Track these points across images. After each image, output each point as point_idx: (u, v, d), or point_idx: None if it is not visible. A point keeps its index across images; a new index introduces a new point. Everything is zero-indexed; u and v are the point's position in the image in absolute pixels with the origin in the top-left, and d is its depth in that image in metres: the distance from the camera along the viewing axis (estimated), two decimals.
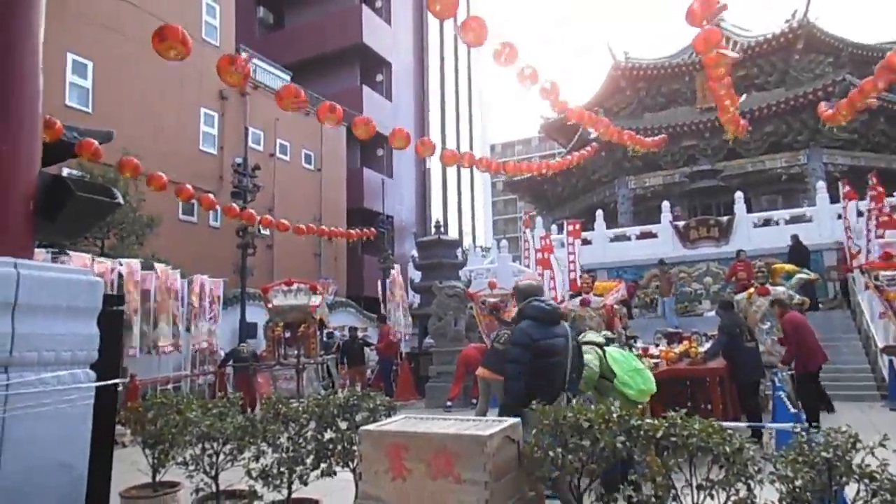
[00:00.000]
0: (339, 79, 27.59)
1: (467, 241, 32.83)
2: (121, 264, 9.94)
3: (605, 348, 5.06)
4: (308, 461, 3.69)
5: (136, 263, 10.21)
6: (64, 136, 5.88)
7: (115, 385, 3.75)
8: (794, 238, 14.85)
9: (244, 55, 20.99)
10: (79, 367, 3.18)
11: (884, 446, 2.41)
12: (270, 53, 24.63)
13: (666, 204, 19.17)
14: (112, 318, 3.75)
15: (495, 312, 12.07)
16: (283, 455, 3.69)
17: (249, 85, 20.29)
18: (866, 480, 2.36)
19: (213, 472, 3.93)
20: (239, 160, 14.63)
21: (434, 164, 33.46)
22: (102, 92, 15.58)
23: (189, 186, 10.23)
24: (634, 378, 4.69)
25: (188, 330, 11.56)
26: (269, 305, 12.40)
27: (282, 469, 3.66)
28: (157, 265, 10.84)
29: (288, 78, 23.93)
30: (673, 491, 2.69)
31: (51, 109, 5.28)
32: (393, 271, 15.95)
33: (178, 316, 11.05)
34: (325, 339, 14.33)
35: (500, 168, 10.61)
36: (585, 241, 19.15)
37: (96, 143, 7.20)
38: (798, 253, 14.42)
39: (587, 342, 5.01)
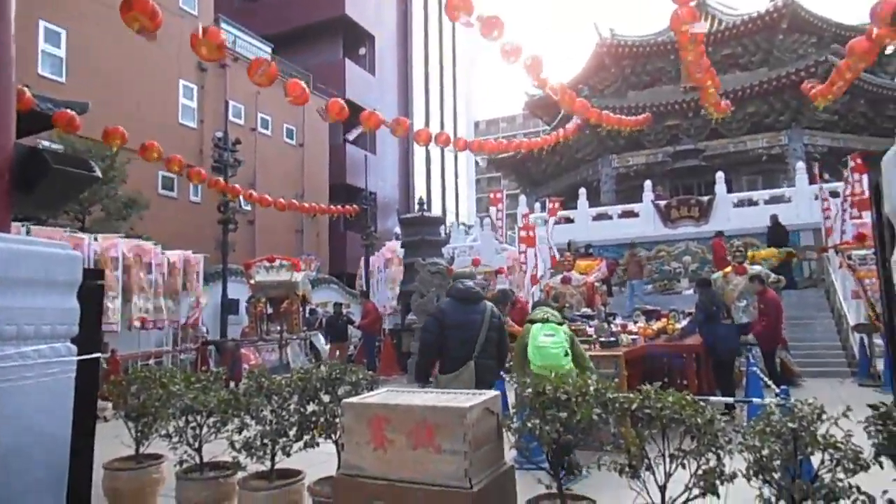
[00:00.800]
0: (321, 52, 27.19)
1: (450, 219, 32.84)
2: (95, 239, 9.81)
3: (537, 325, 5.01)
4: (291, 433, 3.74)
5: (114, 239, 10.09)
6: (38, 106, 5.76)
7: (97, 359, 3.75)
8: (773, 218, 15.09)
9: (223, 26, 20.58)
10: (59, 340, 3.18)
11: (847, 417, 2.51)
12: (251, 25, 24.15)
13: (648, 183, 19.30)
14: (92, 293, 3.73)
15: None
16: (267, 427, 3.73)
17: (229, 57, 19.93)
18: (830, 450, 2.46)
19: (196, 445, 3.97)
20: (219, 134, 14.39)
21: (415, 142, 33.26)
22: (76, 62, 15.21)
23: (179, 157, 10.11)
24: (535, 354, 4.79)
25: (168, 306, 11.48)
26: (252, 282, 12.36)
27: (265, 441, 3.70)
28: (133, 240, 10.71)
29: (269, 50, 23.52)
30: (647, 460, 2.79)
31: (23, 79, 5.17)
32: (384, 248, 15.95)
33: (159, 291, 10.97)
34: (307, 315, 14.34)
35: (479, 147, 10.62)
36: (568, 220, 19.29)
37: (73, 113, 7.08)
38: (777, 233, 14.67)
39: (537, 319, 5.03)
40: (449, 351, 4.45)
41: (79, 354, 3.33)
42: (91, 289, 3.69)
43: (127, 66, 16.50)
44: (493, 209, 18.42)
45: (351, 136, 22.34)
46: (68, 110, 7.09)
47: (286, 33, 26.42)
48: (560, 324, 5.07)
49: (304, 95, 6.53)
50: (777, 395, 4.92)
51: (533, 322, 5.06)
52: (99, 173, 3.88)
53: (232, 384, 6.22)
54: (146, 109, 16.96)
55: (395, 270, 15.25)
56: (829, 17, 23.00)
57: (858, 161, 13.39)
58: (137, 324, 10.51)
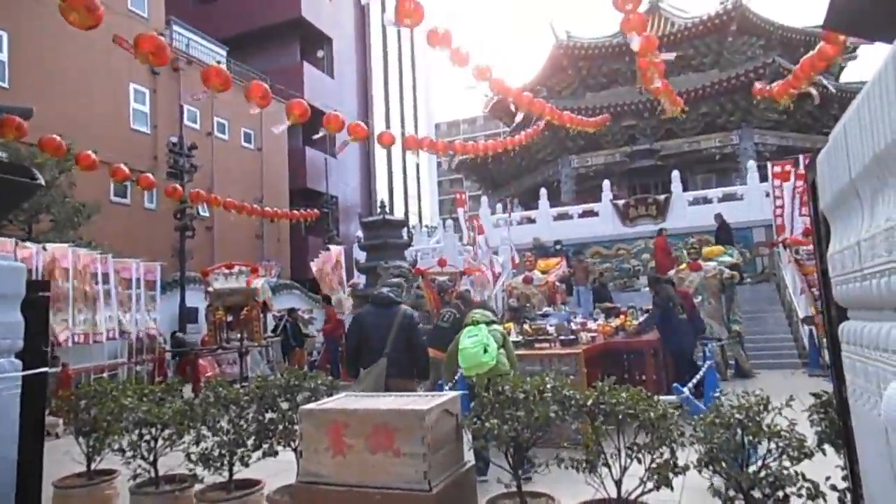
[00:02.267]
0: (278, 55, 26.81)
1: (413, 221, 32.78)
2: (45, 249, 9.45)
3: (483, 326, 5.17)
4: (249, 443, 3.68)
5: (63, 249, 9.73)
6: None
7: (44, 374, 3.62)
8: (719, 217, 15.48)
9: (176, 28, 20.12)
10: (3, 356, 3.06)
11: (790, 407, 2.60)
12: (205, 27, 23.65)
13: (606, 183, 19.65)
14: (37, 305, 3.60)
15: (441, 294, 12.22)
16: (224, 438, 3.66)
17: (183, 60, 19.50)
18: (776, 439, 2.55)
19: (151, 458, 3.87)
20: (174, 139, 14.10)
21: (378, 144, 33.09)
22: (19, 65, 14.64)
23: (123, 166, 9.83)
24: (460, 357, 5.00)
25: (120, 318, 11.12)
26: (210, 289, 12.10)
27: (222, 452, 3.64)
28: (82, 250, 10.35)
29: (223, 53, 23.11)
30: (603, 456, 2.84)
31: None
32: (324, 253, 15.67)
33: (109, 303, 10.61)
34: (276, 322, 14.17)
35: (445, 148, 10.64)
36: (530, 220, 19.49)
37: (20, 119, 6.83)
38: (724, 231, 15.06)
39: (467, 324, 5.25)
40: (367, 348, 4.94)
41: (24, 369, 3.21)
42: (36, 301, 3.56)
43: (74, 69, 15.97)
44: (460, 210, 18.39)
45: (317, 136, 22.10)
46: (14, 116, 6.83)
47: (242, 36, 25.97)
48: (489, 323, 5.22)
49: (267, 97, 6.43)
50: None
51: (465, 326, 5.28)
52: (42, 181, 3.74)
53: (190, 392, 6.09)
54: (96, 114, 16.44)
55: (337, 275, 15.03)
56: (775, 20, 23.82)
57: (807, 161, 13.86)
58: (99, 337, 10.14)
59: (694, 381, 5.89)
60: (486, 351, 4.87)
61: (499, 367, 4.80)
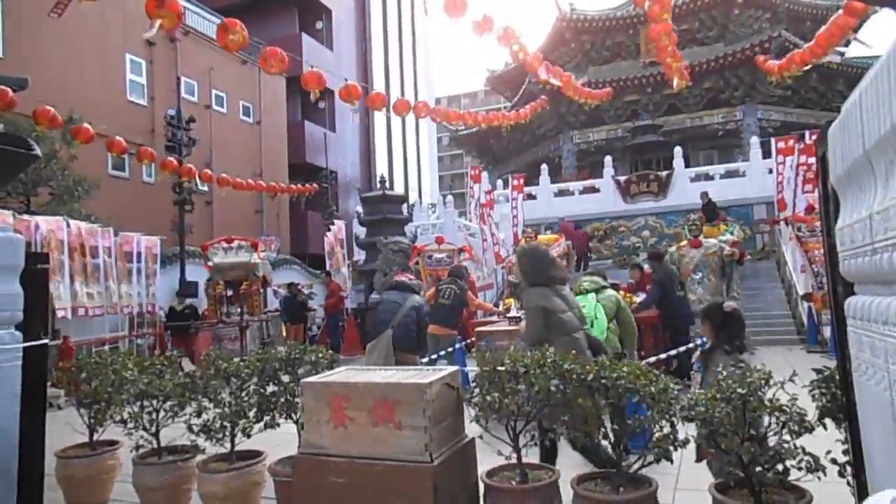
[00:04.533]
0: (276, 26, 26.38)
1: (413, 197, 32.66)
2: (38, 225, 9.36)
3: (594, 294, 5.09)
4: (251, 414, 3.70)
5: (59, 221, 9.66)
6: None
7: (44, 345, 3.62)
8: (705, 195, 15.37)
9: None
10: (3, 327, 3.06)
11: (793, 381, 2.60)
12: None
13: (608, 159, 19.53)
14: (37, 277, 3.58)
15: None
16: (226, 409, 3.67)
17: (179, 30, 19.19)
18: (777, 414, 2.55)
19: (153, 429, 3.89)
20: (172, 112, 13.92)
21: (378, 117, 32.78)
22: (14, 36, 14.41)
23: (121, 139, 9.73)
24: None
25: (121, 292, 11.10)
26: (210, 264, 12.09)
27: (224, 423, 3.65)
28: (81, 223, 10.28)
29: (219, 23, 22.73)
30: (603, 429, 2.84)
31: None
32: (333, 228, 15.66)
33: (109, 275, 10.58)
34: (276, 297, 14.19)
35: (456, 117, 10.48)
36: (530, 196, 19.38)
37: (10, 91, 6.74)
38: (709, 209, 14.97)
39: (581, 291, 5.13)
40: (380, 320, 5.58)
41: (24, 341, 3.21)
42: (35, 273, 3.55)
43: (69, 39, 15.73)
44: (476, 187, 17.63)
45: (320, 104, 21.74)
46: (5, 88, 6.74)
47: (238, 5, 25.46)
48: (600, 290, 5.12)
49: (284, 59, 6.35)
50: None
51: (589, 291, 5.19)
52: (38, 152, 3.69)
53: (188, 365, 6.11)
54: (91, 85, 16.25)
55: (338, 252, 15.02)
56: None
57: (812, 137, 13.75)
58: (97, 310, 10.11)
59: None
60: (592, 325, 4.58)
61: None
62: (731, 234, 13.01)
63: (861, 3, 5.12)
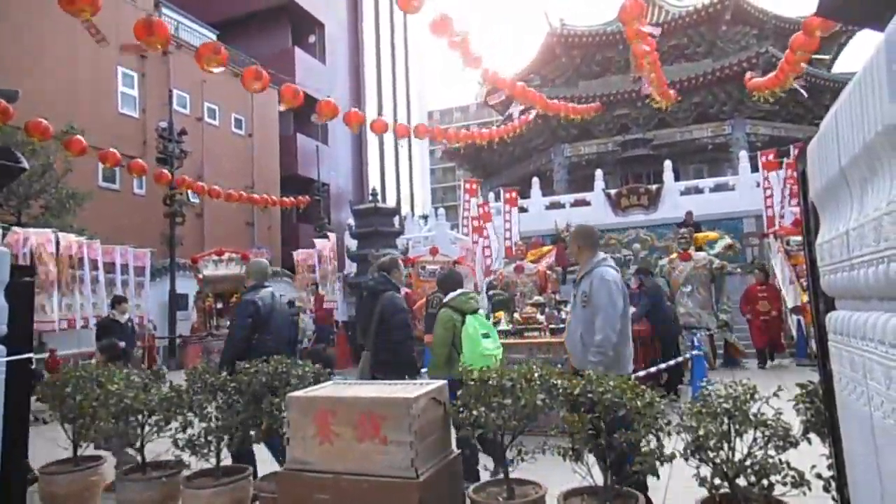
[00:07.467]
0: (269, 40, 26.51)
1: (405, 209, 32.69)
2: (25, 238, 9.29)
3: (469, 317, 4.34)
4: (237, 430, 3.66)
5: (49, 234, 9.61)
6: None
7: (28, 359, 3.59)
8: (689, 215, 15.39)
9: (165, 11, 19.85)
10: None
11: (777, 396, 2.61)
12: (194, 10, 23.34)
13: (599, 172, 19.65)
14: (22, 290, 3.56)
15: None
16: (212, 424, 3.64)
17: (172, 44, 19.24)
18: (762, 428, 2.56)
19: (137, 444, 3.85)
20: (164, 124, 13.94)
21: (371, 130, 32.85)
22: (3, 48, 14.39)
23: (115, 151, 9.72)
24: (475, 360, 3.82)
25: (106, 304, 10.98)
26: (200, 276, 12.04)
27: (210, 438, 3.62)
28: (70, 235, 10.22)
29: (214, 37, 22.82)
30: (589, 444, 2.84)
31: None
32: (325, 241, 15.56)
33: (97, 289, 10.49)
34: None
35: (441, 135, 10.58)
36: (522, 209, 19.43)
37: (5, 103, 6.73)
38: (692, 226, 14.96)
39: (467, 310, 4.41)
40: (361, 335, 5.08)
41: (8, 355, 3.18)
42: (20, 286, 3.52)
43: (60, 52, 15.72)
44: (473, 200, 17.48)
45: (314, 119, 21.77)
46: None
47: (232, 19, 25.64)
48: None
49: (264, 79, 6.38)
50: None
51: (461, 312, 4.39)
52: (26, 164, 3.69)
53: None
54: (83, 98, 16.23)
55: (330, 267, 14.91)
56: (769, 9, 23.79)
57: (797, 151, 13.88)
58: (66, 323, 9.97)
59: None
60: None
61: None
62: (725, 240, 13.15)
63: (814, 28, 5.21)
